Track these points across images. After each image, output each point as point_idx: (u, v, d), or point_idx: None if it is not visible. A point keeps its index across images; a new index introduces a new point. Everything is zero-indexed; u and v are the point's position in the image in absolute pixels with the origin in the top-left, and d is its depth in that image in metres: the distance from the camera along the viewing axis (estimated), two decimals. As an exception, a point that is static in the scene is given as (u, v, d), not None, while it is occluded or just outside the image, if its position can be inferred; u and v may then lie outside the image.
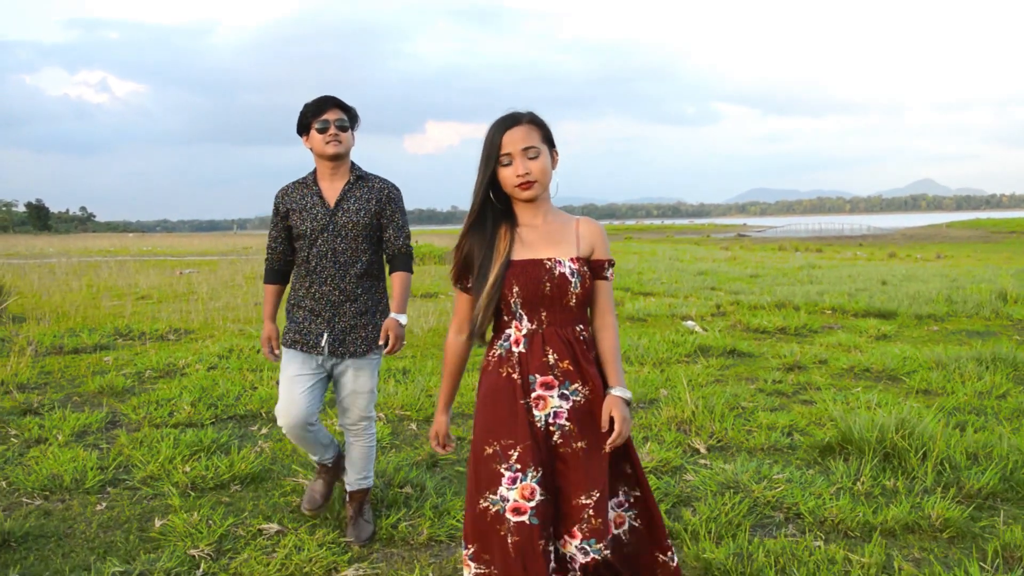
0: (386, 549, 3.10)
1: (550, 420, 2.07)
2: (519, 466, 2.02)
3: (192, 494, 3.59)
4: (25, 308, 9.73)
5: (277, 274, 3.24)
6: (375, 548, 3.10)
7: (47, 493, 3.61)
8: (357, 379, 3.11)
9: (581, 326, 2.13)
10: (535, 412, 2.06)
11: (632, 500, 2.18)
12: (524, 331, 2.09)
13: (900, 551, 3.01)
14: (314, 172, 3.15)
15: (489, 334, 2.18)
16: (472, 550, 2.07)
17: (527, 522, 1.98)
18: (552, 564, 2.03)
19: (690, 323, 8.45)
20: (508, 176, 2.07)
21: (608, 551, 2.04)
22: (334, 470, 3.33)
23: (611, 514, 2.15)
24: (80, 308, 9.72)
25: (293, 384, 3.03)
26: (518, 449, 2.03)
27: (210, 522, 3.25)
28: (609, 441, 2.06)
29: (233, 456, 3.96)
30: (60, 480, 3.69)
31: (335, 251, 3.04)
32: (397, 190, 3.16)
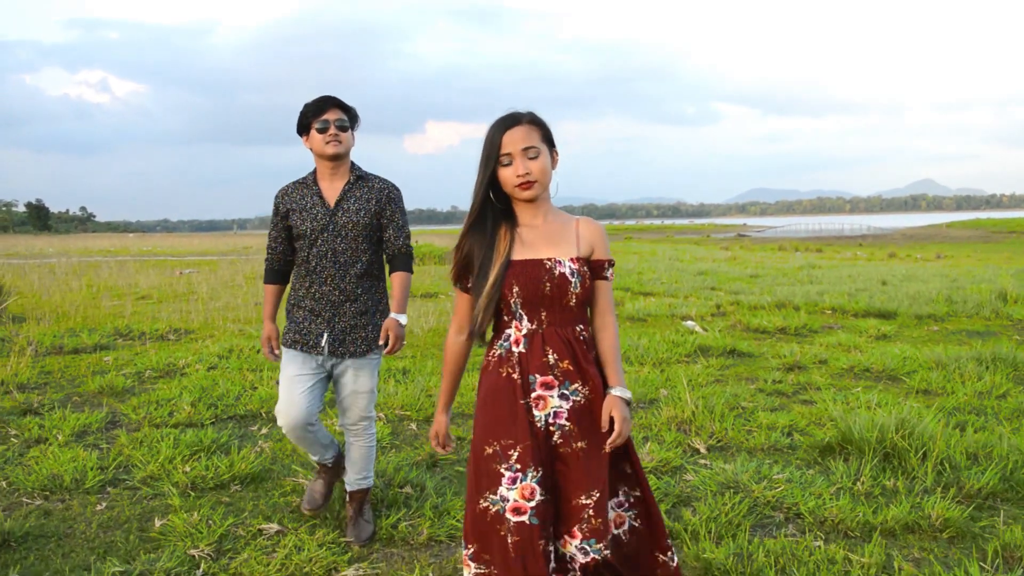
0: (386, 549, 3.10)
1: (550, 420, 2.06)
2: (519, 466, 2.01)
3: (192, 494, 3.59)
4: (25, 308, 9.73)
5: (277, 274, 3.24)
6: (375, 548, 3.10)
7: (47, 493, 3.61)
8: (357, 379, 3.11)
9: (581, 326, 2.12)
10: (535, 412, 2.06)
11: (632, 500, 2.18)
12: (524, 331, 2.09)
13: (900, 551, 3.01)
14: (314, 172, 3.15)
15: (489, 334, 2.18)
16: (472, 550, 2.07)
17: (527, 522, 1.98)
18: (552, 564, 2.03)
19: (690, 323, 8.45)
20: (508, 176, 2.06)
21: (608, 551, 2.03)
22: (334, 470, 3.33)
23: (611, 514, 2.15)
24: (80, 308, 9.72)
25: (293, 384, 3.03)
26: (518, 449, 2.02)
27: (210, 522, 3.25)
28: (609, 441, 2.06)
29: (233, 456, 3.96)
30: (60, 480, 3.69)
31: (335, 251, 3.04)
32: (397, 190, 3.15)
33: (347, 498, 3.27)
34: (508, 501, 2.00)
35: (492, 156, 2.06)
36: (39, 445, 4.28)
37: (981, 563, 2.87)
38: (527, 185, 2.06)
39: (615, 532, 2.17)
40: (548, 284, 2.06)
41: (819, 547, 2.99)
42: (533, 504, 2.00)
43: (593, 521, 2.01)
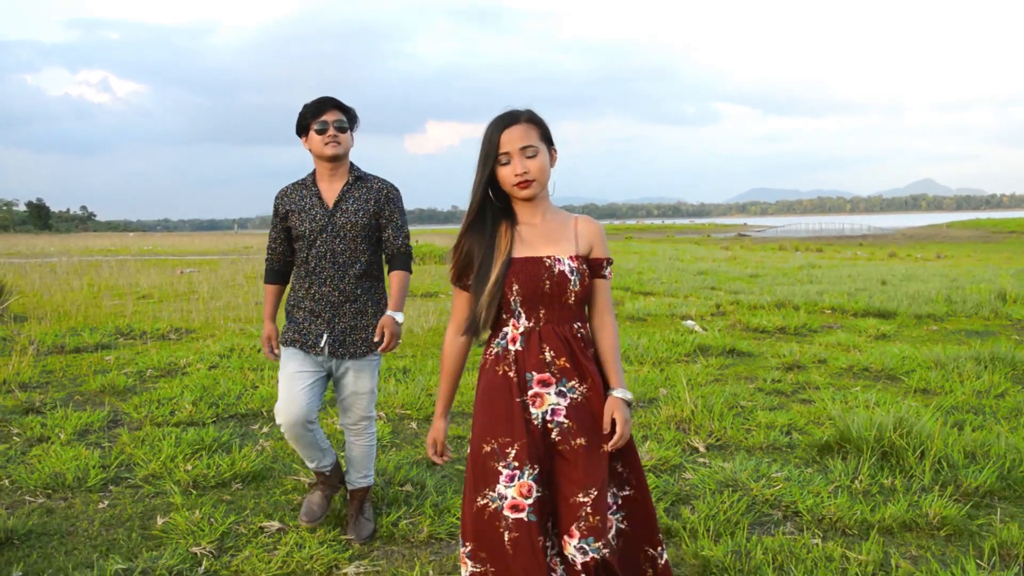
0: (387, 547, 3.12)
1: (547, 418, 2.06)
2: (516, 464, 2.02)
3: (194, 492, 3.61)
4: (26, 307, 9.75)
5: (277, 274, 3.25)
6: (376, 546, 3.12)
7: (49, 491, 3.63)
8: (357, 380, 3.12)
9: (579, 323, 2.13)
10: (531, 409, 2.06)
11: (620, 501, 2.15)
12: (521, 329, 2.09)
13: (897, 549, 3.03)
14: (313, 173, 3.15)
15: (486, 333, 2.19)
16: (470, 548, 2.07)
17: (525, 519, 1.99)
18: (560, 569, 2.04)
19: (690, 323, 8.47)
20: (506, 175, 2.07)
21: (607, 550, 2.01)
22: (332, 480, 3.29)
23: None
24: (81, 307, 9.74)
25: (293, 381, 3.02)
26: (515, 447, 2.03)
27: (212, 520, 3.27)
28: (611, 443, 2.07)
29: (234, 454, 3.98)
30: (62, 478, 3.71)
31: (334, 252, 3.05)
32: (396, 190, 3.16)
33: (348, 496, 3.29)
34: (506, 499, 2.01)
35: (490, 155, 2.06)
36: (41, 444, 4.30)
37: (978, 561, 2.89)
38: (525, 184, 2.06)
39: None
40: (547, 282, 2.06)
41: (817, 545, 3.01)
42: (531, 501, 2.00)
43: (591, 519, 1.99)
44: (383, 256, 3.19)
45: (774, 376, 5.91)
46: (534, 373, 2.07)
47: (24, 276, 14.14)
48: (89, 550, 3.05)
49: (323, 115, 3.01)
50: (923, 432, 3.91)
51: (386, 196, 3.11)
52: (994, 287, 10.82)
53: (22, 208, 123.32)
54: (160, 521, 3.27)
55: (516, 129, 2.06)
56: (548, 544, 2.06)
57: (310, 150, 3.09)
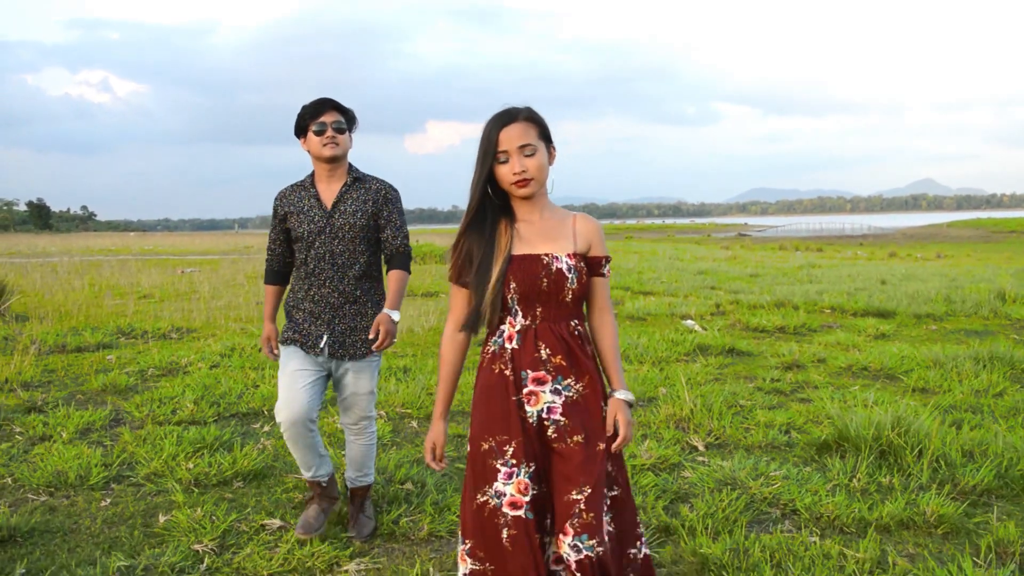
0: (387, 544, 3.14)
1: (543, 415, 2.07)
2: (514, 461, 2.03)
3: (195, 490, 3.63)
4: (28, 307, 9.77)
5: (277, 275, 3.25)
6: (376, 543, 3.14)
7: (52, 489, 3.65)
8: (357, 381, 3.12)
9: (576, 321, 2.13)
10: (527, 408, 2.07)
11: (609, 502, 2.13)
12: (518, 327, 2.10)
13: (895, 547, 3.05)
14: (312, 174, 3.15)
15: (482, 333, 2.19)
16: (469, 545, 2.08)
17: (523, 516, 2.00)
18: (559, 568, 2.05)
19: (689, 322, 8.49)
20: (505, 173, 2.07)
21: (602, 549, 1.99)
22: (329, 492, 3.24)
23: None
24: (82, 307, 9.76)
25: (294, 379, 3.02)
26: (512, 444, 2.04)
27: (213, 518, 3.29)
28: (615, 445, 2.08)
29: (236, 453, 4.00)
30: (65, 477, 3.73)
31: (333, 253, 3.05)
32: (395, 191, 3.16)
33: (348, 495, 3.30)
34: (505, 496, 2.02)
35: (489, 153, 2.06)
36: (43, 442, 4.32)
37: (974, 558, 2.91)
38: (524, 183, 2.06)
39: None
40: (545, 280, 2.07)
41: (815, 543, 3.03)
42: (528, 499, 2.01)
43: (584, 516, 1.98)
44: (382, 257, 3.20)
45: (773, 375, 5.93)
46: (529, 371, 2.07)
47: (25, 276, 14.16)
48: (92, 547, 3.07)
49: (321, 116, 3.01)
50: (921, 431, 3.92)
51: (384, 197, 3.11)
52: (993, 287, 10.84)
53: (23, 208, 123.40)
54: (162, 519, 3.29)
55: (514, 127, 2.05)
56: (547, 541, 2.08)
57: (308, 151, 3.09)
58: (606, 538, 2.04)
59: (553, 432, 2.07)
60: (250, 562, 2.93)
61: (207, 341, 7.34)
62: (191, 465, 3.85)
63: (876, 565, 2.87)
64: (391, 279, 3.10)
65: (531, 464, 2.04)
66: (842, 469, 3.77)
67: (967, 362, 6.02)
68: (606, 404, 2.13)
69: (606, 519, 2.08)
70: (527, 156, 2.06)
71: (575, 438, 2.05)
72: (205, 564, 2.91)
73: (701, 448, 4.22)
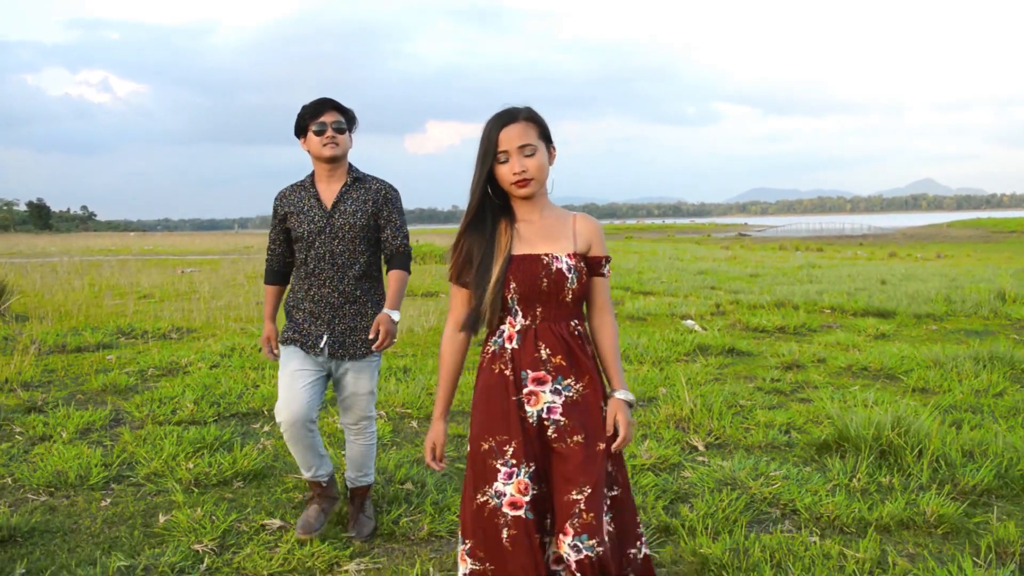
0: (387, 544, 3.14)
1: (543, 415, 2.07)
2: (514, 461, 2.03)
3: (195, 490, 3.63)
4: (28, 307, 9.77)
5: (277, 275, 3.25)
6: (376, 543, 3.14)
7: (52, 489, 3.65)
8: (357, 381, 3.12)
9: (576, 321, 2.13)
10: (527, 408, 2.07)
11: (609, 502, 2.13)
12: (518, 327, 2.09)
13: (895, 546, 3.05)
14: (312, 175, 3.15)
15: (482, 333, 2.18)
16: (469, 545, 2.08)
17: (523, 516, 2.00)
18: (559, 568, 2.05)
19: (689, 322, 8.49)
20: (505, 173, 2.06)
21: (602, 549, 1.98)
22: (328, 492, 3.23)
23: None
24: (82, 307, 9.77)
25: (294, 379, 3.01)
26: (512, 445, 2.04)
27: (213, 518, 3.29)
28: (615, 445, 2.08)
29: (236, 453, 4.00)
30: (65, 476, 3.73)
31: (333, 253, 3.05)
32: (394, 191, 3.16)
33: (348, 495, 3.30)
34: (505, 496, 2.02)
35: (489, 153, 2.06)
36: (44, 442, 4.32)
37: (974, 558, 2.91)
38: (523, 183, 2.06)
39: None
40: (545, 280, 2.06)
41: (815, 543, 3.03)
42: (528, 499, 2.01)
43: (584, 515, 1.98)
44: (382, 257, 3.20)
45: (773, 375, 5.93)
46: (529, 371, 2.07)
47: (25, 276, 14.16)
48: (92, 547, 3.07)
49: (321, 116, 3.01)
50: (921, 431, 3.92)
51: (384, 197, 3.11)
52: (993, 287, 10.84)
53: (23, 208, 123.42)
54: (162, 519, 3.29)
55: (514, 127, 2.05)
56: (547, 541, 2.08)
57: (308, 151, 3.09)
58: (606, 538, 2.03)
59: (553, 432, 2.07)
60: (250, 562, 2.93)
61: (207, 341, 7.34)
62: (191, 465, 3.85)
63: (876, 565, 2.87)
64: (391, 279, 3.10)
65: (531, 464, 2.04)
66: (842, 469, 3.77)
67: (967, 362, 6.02)
68: (606, 404, 2.13)
69: (606, 519, 2.08)
70: (527, 156, 2.05)
71: (575, 438, 2.05)
72: (205, 564, 2.91)
73: (701, 448, 4.22)
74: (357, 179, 3.12)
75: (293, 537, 3.11)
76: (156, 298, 11.54)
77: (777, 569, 2.83)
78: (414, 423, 4.75)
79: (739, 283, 13.29)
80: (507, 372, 2.09)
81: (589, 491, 2.00)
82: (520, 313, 2.09)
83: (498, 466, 2.04)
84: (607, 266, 2.19)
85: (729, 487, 3.58)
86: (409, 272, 3.15)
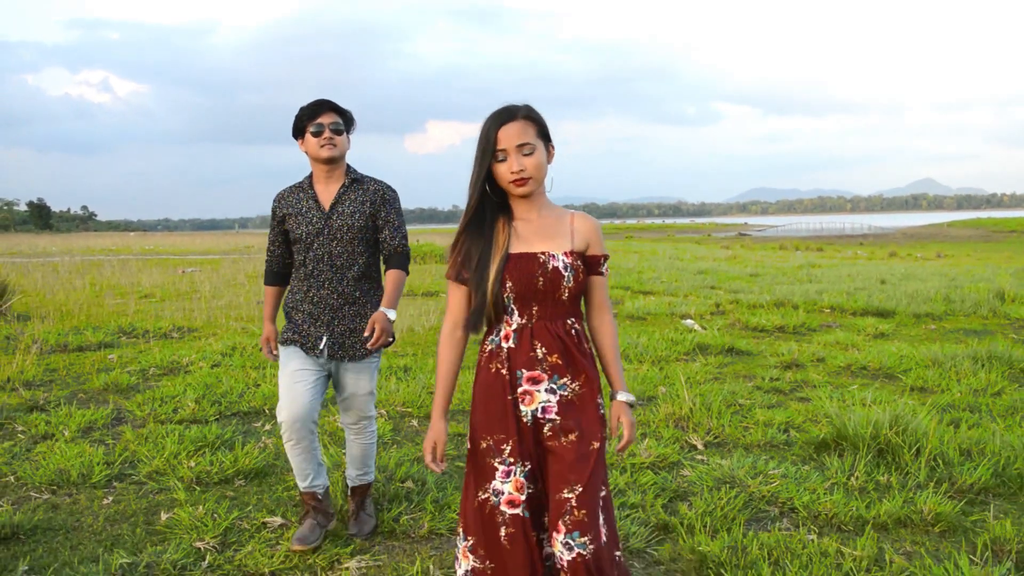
0: (388, 542, 3.15)
1: (538, 415, 2.07)
2: (511, 460, 2.04)
3: (197, 488, 3.65)
4: (29, 307, 9.79)
5: (277, 276, 3.25)
6: (377, 541, 3.16)
7: (55, 487, 3.67)
8: (357, 381, 3.13)
9: (572, 320, 2.13)
10: (521, 407, 2.07)
11: (602, 503, 2.10)
12: (514, 326, 2.09)
13: (892, 544, 3.06)
14: (310, 176, 3.16)
15: (481, 332, 2.19)
16: (470, 542, 2.09)
17: (520, 514, 2.02)
18: (556, 566, 2.06)
19: (689, 321, 8.51)
20: (503, 172, 2.06)
21: (594, 546, 1.98)
22: (323, 507, 3.16)
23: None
24: (84, 306, 9.79)
25: (295, 379, 3.01)
26: (509, 444, 2.05)
27: (215, 515, 3.31)
28: (619, 447, 2.09)
29: (237, 451, 4.02)
30: (67, 475, 3.75)
31: (331, 254, 3.05)
32: (392, 191, 3.16)
33: (349, 493, 3.32)
34: (503, 494, 2.03)
35: (487, 152, 2.05)
36: (46, 441, 4.34)
37: (971, 556, 2.92)
38: (522, 181, 2.05)
39: None
40: (541, 278, 2.06)
41: (812, 540, 3.05)
42: (524, 497, 2.03)
43: (576, 513, 1.98)
44: (381, 257, 3.20)
45: (772, 375, 5.95)
46: (524, 371, 2.07)
47: (26, 276, 14.18)
48: (94, 545, 3.09)
49: (319, 117, 3.02)
50: (919, 430, 3.94)
51: (382, 197, 3.11)
52: (993, 286, 10.85)
53: (23, 208, 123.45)
54: (164, 517, 3.31)
55: (513, 126, 2.04)
56: (543, 539, 2.09)
57: (306, 152, 3.09)
58: (601, 535, 2.03)
59: (548, 431, 2.07)
60: (251, 559, 2.95)
61: (208, 340, 7.36)
62: (193, 463, 3.87)
63: (873, 563, 2.89)
64: (388, 278, 3.09)
65: (527, 463, 2.05)
66: (840, 468, 3.79)
67: (965, 361, 6.04)
68: (603, 401, 2.14)
69: (600, 519, 2.07)
70: (525, 155, 2.05)
71: (569, 436, 2.05)
72: (207, 561, 2.93)
73: (700, 447, 4.24)
74: (355, 180, 3.12)
75: (294, 535, 3.12)
76: (157, 298, 11.56)
77: (775, 567, 2.84)
78: (414, 422, 4.77)
79: (739, 283, 13.30)
80: (503, 371, 2.09)
81: (581, 489, 2.00)
82: (516, 312, 2.09)
83: (496, 464, 2.06)
84: (605, 265, 2.19)
85: (728, 485, 3.60)
86: (407, 272, 3.14)
